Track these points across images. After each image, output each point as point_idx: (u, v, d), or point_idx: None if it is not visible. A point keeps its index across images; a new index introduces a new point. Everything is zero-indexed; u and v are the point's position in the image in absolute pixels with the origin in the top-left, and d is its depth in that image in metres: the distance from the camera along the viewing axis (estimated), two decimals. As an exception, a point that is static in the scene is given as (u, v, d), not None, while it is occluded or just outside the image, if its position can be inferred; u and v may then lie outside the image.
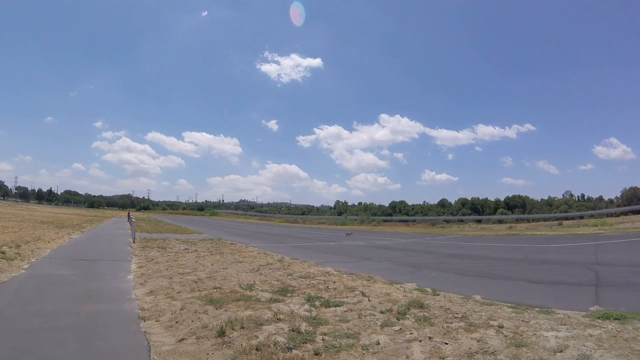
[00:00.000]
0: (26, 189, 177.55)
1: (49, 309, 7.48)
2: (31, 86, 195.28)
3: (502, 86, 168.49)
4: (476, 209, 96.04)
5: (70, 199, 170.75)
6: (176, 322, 6.71)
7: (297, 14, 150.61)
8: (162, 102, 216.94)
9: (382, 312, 7.11)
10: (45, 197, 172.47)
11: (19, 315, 7.02)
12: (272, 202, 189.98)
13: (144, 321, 6.87)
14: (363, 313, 7.02)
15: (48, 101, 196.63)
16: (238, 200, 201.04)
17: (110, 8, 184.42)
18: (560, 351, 5.09)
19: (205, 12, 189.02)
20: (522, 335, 5.75)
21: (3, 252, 13.31)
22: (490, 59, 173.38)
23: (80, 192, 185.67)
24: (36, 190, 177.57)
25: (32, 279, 10.33)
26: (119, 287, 9.81)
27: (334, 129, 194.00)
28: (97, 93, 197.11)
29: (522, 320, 6.56)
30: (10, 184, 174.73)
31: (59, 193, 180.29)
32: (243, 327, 6.11)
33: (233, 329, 6.00)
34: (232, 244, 22.38)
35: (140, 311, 7.49)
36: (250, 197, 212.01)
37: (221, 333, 5.81)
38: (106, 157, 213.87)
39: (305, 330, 5.97)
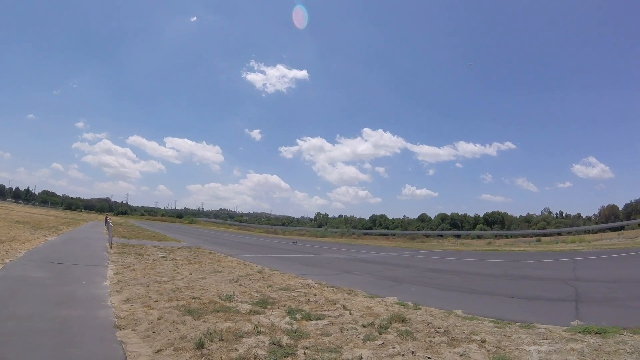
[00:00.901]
0: (3, 186, 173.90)
1: (22, 312, 7.28)
2: (14, 81, 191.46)
3: (484, 104, 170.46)
4: (455, 224, 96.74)
5: (47, 199, 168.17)
6: (153, 332, 6.54)
7: (300, 17, 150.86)
8: (145, 106, 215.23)
9: (364, 326, 7.02)
10: (23, 197, 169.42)
11: (-10, 318, 6.79)
12: (252, 211, 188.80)
13: (120, 330, 6.67)
14: (345, 327, 6.92)
15: (31, 98, 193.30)
16: (218, 208, 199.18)
17: (100, 6, 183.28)
18: (544, 365, 5.07)
19: (195, 18, 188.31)
20: (504, 350, 5.75)
21: (-24, 251, 12.94)
22: (473, 77, 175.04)
23: (58, 193, 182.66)
24: (13, 189, 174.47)
25: (5, 280, 10.08)
26: (95, 293, 9.56)
27: (317, 141, 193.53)
28: (81, 92, 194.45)
29: (504, 335, 6.58)
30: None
31: (37, 193, 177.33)
32: (222, 339, 5.96)
33: (212, 341, 5.85)
34: (211, 253, 22.07)
35: (116, 319, 7.28)
36: (230, 205, 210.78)
37: (200, 345, 5.67)
38: (86, 159, 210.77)
39: (286, 343, 5.85)
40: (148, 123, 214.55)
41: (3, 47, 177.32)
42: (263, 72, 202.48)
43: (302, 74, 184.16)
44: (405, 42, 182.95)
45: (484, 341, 6.17)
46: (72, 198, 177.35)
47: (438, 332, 6.74)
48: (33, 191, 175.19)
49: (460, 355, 5.51)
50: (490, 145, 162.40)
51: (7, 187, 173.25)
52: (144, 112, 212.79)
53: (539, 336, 6.46)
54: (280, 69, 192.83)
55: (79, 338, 6.09)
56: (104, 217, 67.58)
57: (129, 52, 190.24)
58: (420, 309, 8.90)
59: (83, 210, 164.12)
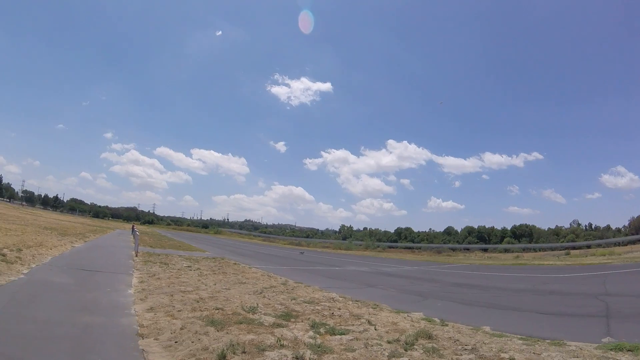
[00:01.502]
0: (32, 193, 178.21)
1: (44, 316, 7.31)
2: (45, 92, 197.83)
3: (510, 114, 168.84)
4: (482, 238, 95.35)
5: (75, 207, 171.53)
6: (175, 342, 6.47)
7: (306, 22, 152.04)
8: (172, 118, 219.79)
9: (389, 342, 6.82)
10: (51, 203, 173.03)
11: (13, 320, 6.86)
12: (276, 223, 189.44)
13: (142, 338, 6.63)
14: (369, 342, 6.73)
15: (60, 108, 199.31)
16: (243, 219, 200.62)
17: (128, 21, 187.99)
18: (574, 385, 4.86)
19: (220, 32, 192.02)
20: (534, 369, 5.51)
21: (4, 255, 13.12)
22: (498, 87, 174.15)
23: (86, 201, 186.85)
24: (42, 196, 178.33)
25: (30, 284, 10.16)
26: (118, 300, 9.59)
27: (341, 153, 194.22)
28: (110, 104, 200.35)
29: (534, 353, 6.33)
30: (17, 187, 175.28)
31: (65, 200, 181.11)
32: (245, 352, 5.86)
33: (234, 353, 5.75)
34: (235, 264, 22.08)
35: (138, 327, 7.25)
36: (254, 217, 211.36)
37: (222, 357, 5.57)
38: (114, 169, 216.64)
39: (309, 358, 5.72)
40: (175, 135, 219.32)
41: (34, 60, 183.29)
42: (287, 85, 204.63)
43: (326, 86, 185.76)
44: (428, 53, 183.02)
45: (512, 359, 5.95)
46: (99, 206, 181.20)
47: (465, 349, 6.53)
48: (61, 198, 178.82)
49: (489, 375, 5.32)
50: (517, 156, 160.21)
51: (36, 194, 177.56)
52: (171, 124, 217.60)
53: (569, 354, 6.21)
54: (305, 82, 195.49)
55: (99, 345, 6.06)
56: (130, 226, 68.48)
57: (156, 65, 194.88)
58: (447, 325, 8.67)
59: (110, 218, 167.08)
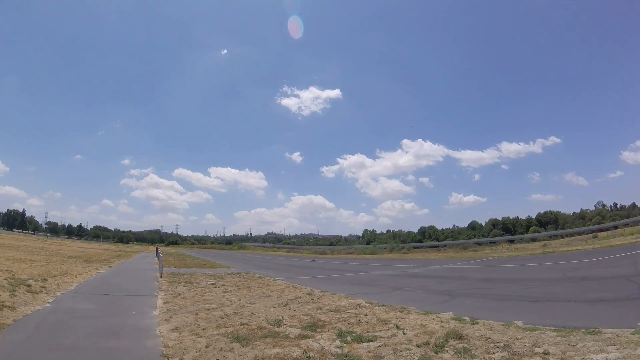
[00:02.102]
0: (56, 224, 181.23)
1: (69, 343, 7.32)
2: (59, 126, 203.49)
3: (522, 101, 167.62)
4: (508, 229, 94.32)
5: (99, 234, 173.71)
6: (201, 361, 6.37)
7: (295, 27, 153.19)
8: (187, 139, 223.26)
9: (418, 346, 6.65)
10: (75, 232, 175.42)
11: (39, 349, 6.88)
12: (299, 234, 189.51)
13: (167, 359, 6.55)
14: (398, 348, 6.57)
15: (76, 140, 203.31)
16: (265, 233, 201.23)
17: (136, 49, 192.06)
18: (613, 375, 4.64)
19: (225, 51, 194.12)
20: (569, 362, 5.29)
21: (29, 286, 13.25)
22: (508, 76, 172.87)
23: (109, 228, 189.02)
24: (66, 226, 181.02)
25: (55, 312, 10.20)
26: (143, 323, 9.54)
27: (357, 157, 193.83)
28: (124, 132, 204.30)
29: (569, 344, 6.13)
30: (40, 219, 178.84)
31: (89, 228, 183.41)
32: (271, 366, 5.74)
33: (260, 368, 5.63)
34: (259, 277, 22.06)
35: (163, 348, 7.18)
36: (277, 229, 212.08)
37: (247, 373, 5.46)
38: (134, 194, 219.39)
39: (337, 368, 5.57)
40: (191, 155, 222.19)
41: (46, 97, 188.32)
42: (297, 96, 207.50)
43: (335, 93, 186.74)
44: (433, 48, 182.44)
45: (547, 353, 5.75)
46: (123, 231, 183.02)
47: (498, 347, 6.32)
48: (85, 227, 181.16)
49: (524, 372, 5.11)
50: (534, 143, 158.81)
51: (59, 224, 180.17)
52: (187, 145, 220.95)
53: (606, 342, 6.01)
54: (313, 91, 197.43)
55: (124, 369, 6.02)
56: (154, 248, 68.97)
57: (166, 89, 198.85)
58: (477, 323, 8.45)
59: (134, 242, 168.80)
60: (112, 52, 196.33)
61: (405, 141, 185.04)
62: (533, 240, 67.81)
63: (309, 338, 7.54)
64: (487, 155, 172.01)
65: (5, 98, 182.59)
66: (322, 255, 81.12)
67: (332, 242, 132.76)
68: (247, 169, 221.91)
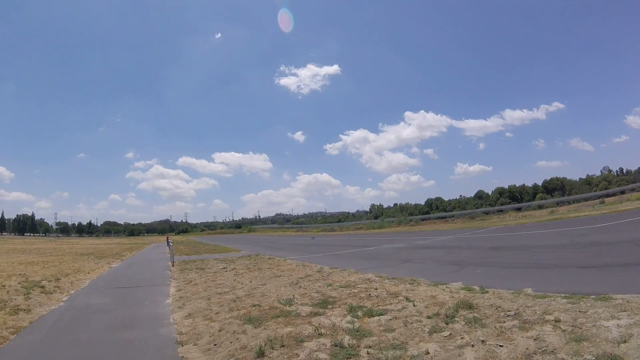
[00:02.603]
0: (66, 223, 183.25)
1: (85, 338, 7.43)
2: (61, 126, 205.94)
3: (524, 67, 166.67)
4: (514, 197, 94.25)
5: (110, 229, 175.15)
6: (214, 345, 6.47)
7: (285, 21, 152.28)
8: (188, 127, 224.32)
9: (429, 317, 6.70)
10: (86, 230, 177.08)
11: (55, 346, 6.98)
12: (307, 212, 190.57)
13: (182, 346, 6.66)
14: (409, 320, 6.62)
15: (78, 139, 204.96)
16: (274, 214, 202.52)
17: (127, 42, 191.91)
18: (625, 341, 4.67)
19: (219, 35, 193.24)
20: (581, 328, 5.32)
21: (43, 287, 13.43)
22: (508, 42, 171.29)
23: (119, 222, 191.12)
24: (76, 224, 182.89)
25: (70, 310, 10.33)
26: (157, 312, 9.69)
27: (360, 133, 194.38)
28: (125, 125, 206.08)
29: (579, 311, 6.11)
30: (50, 221, 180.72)
31: (99, 224, 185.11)
32: (283, 346, 5.82)
33: (273, 348, 5.71)
34: (270, 258, 22.20)
35: (177, 335, 7.30)
36: (285, 210, 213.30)
37: (260, 353, 5.53)
38: (141, 186, 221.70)
39: (348, 344, 5.62)
40: (194, 143, 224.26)
41: (43, 100, 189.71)
42: (295, 75, 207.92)
43: (334, 69, 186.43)
44: (431, 18, 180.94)
45: (558, 320, 5.74)
46: (133, 224, 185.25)
47: (508, 315, 6.34)
48: (95, 223, 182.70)
49: (534, 339, 5.12)
50: (537, 109, 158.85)
51: (69, 223, 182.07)
52: (189, 133, 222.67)
53: (617, 308, 5.98)
54: (311, 69, 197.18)
55: (140, 358, 6.14)
56: (165, 238, 69.37)
57: (163, 79, 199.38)
58: (487, 292, 8.45)
59: (145, 234, 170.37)
60: (105, 47, 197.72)
61: (408, 113, 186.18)
62: (540, 207, 67.69)
63: (320, 315, 7.61)
64: (491, 124, 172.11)
65: (3, 105, 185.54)
66: (330, 232, 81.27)
67: (340, 219, 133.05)
68: (250, 152, 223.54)
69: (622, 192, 60.02)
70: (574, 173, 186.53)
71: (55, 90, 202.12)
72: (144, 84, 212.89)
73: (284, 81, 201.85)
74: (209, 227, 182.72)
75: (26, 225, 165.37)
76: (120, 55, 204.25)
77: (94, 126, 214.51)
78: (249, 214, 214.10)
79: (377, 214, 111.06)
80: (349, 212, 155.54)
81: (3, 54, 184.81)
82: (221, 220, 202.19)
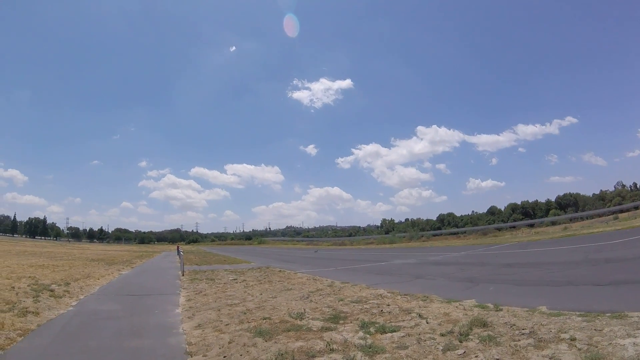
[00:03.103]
0: (77, 228, 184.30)
1: (93, 345, 7.40)
2: (75, 133, 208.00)
3: (537, 82, 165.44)
4: (527, 213, 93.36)
5: (120, 236, 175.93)
6: (224, 357, 6.40)
7: (290, 26, 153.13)
8: (202, 138, 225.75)
9: (442, 335, 6.60)
10: (97, 236, 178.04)
11: (63, 352, 6.96)
12: (317, 226, 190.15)
13: (191, 357, 6.60)
14: (422, 337, 6.52)
15: (93, 145, 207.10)
16: (284, 227, 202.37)
17: (143, 52, 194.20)
18: (641, 360, 4.57)
19: (233, 48, 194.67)
20: (597, 347, 5.26)
21: (52, 290, 13.45)
22: (521, 57, 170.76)
23: (130, 229, 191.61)
24: (87, 230, 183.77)
25: (79, 315, 10.31)
26: (166, 321, 9.63)
27: (372, 147, 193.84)
28: (139, 135, 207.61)
29: (595, 330, 6.02)
30: (62, 225, 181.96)
31: (110, 231, 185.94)
32: (294, 360, 5.73)
33: (284, 363, 5.63)
34: (280, 271, 22.12)
35: (187, 346, 7.23)
36: (295, 222, 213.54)
37: (271, 367, 5.46)
38: (153, 195, 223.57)
39: (361, 360, 5.54)
40: (207, 154, 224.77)
41: (58, 107, 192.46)
42: (308, 89, 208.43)
43: (346, 83, 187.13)
44: (443, 33, 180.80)
45: (573, 339, 5.66)
46: (144, 232, 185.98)
47: (523, 334, 6.24)
48: (106, 230, 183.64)
49: (550, 359, 5.05)
50: (550, 124, 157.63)
51: (81, 229, 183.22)
52: (202, 144, 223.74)
53: (633, 326, 5.90)
54: (324, 82, 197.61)
55: (148, 368, 6.06)
56: (175, 247, 69.49)
57: (177, 90, 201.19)
58: (501, 309, 8.36)
59: (156, 242, 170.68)
60: (122, 57, 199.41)
61: (420, 128, 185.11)
62: (553, 223, 67.09)
63: (332, 330, 7.53)
64: (504, 139, 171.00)
65: (19, 111, 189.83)
66: (341, 246, 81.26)
67: (351, 233, 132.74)
68: (262, 164, 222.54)
69: (636, 208, 59.30)
70: (588, 188, 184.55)
71: (71, 98, 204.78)
72: (158, 94, 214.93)
73: (297, 95, 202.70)
74: (220, 238, 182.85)
75: (38, 229, 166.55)
76: (135, 65, 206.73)
77: (109, 134, 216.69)
78: (259, 225, 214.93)
79: (388, 229, 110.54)
80: (359, 227, 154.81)
81: (17, 61, 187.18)
82: (232, 231, 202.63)
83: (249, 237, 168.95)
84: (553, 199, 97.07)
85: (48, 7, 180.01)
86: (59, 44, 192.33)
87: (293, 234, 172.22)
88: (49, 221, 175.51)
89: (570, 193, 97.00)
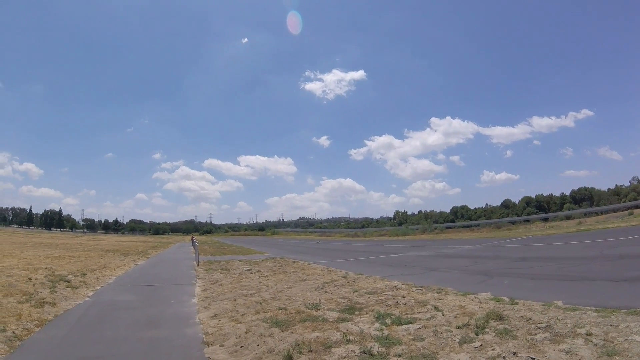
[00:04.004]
0: (93, 220, 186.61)
1: (109, 335, 7.49)
2: (89, 126, 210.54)
3: (552, 73, 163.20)
4: (542, 207, 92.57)
5: (135, 227, 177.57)
6: (241, 347, 6.48)
7: (294, 23, 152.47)
8: (215, 130, 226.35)
9: (458, 327, 6.61)
10: (112, 227, 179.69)
11: (80, 342, 7.05)
12: (330, 217, 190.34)
13: (208, 346, 6.68)
14: (438, 329, 6.53)
15: (107, 138, 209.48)
16: (297, 218, 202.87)
17: (155, 46, 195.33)
18: (657, 356, 4.57)
19: (245, 39, 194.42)
20: (613, 342, 5.25)
21: (68, 281, 13.64)
22: (537, 48, 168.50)
23: (144, 220, 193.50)
24: (102, 221, 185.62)
25: (95, 305, 10.46)
26: (183, 311, 9.75)
27: (385, 138, 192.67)
28: (153, 127, 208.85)
29: (611, 325, 6.01)
30: (77, 217, 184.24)
31: (125, 222, 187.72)
32: (311, 350, 5.79)
33: (300, 353, 5.69)
34: (294, 262, 22.22)
35: (204, 336, 7.33)
36: (308, 214, 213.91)
37: (288, 357, 5.52)
38: (167, 186, 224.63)
39: (377, 352, 5.58)
40: (220, 146, 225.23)
41: (72, 101, 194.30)
42: (320, 80, 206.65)
43: (359, 74, 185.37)
44: (457, 23, 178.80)
45: (589, 334, 5.65)
46: (158, 223, 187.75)
47: (539, 328, 6.23)
48: (121, 221, 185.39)
49: (566, 353, 5.04)
50: (565, 117, 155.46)
51: (96, 220, 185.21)
52: (215, 136, 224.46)
53: (649, 323, 5.86)
54: (337, 74, 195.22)
55: (165, 357, 6.17)
56: (190, 238, 69.90)
57: (191, 82, 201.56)
58: (517, 303, 8.33)
59: (170, 233, 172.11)
60: (134, 51, 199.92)
61: (434, 119, 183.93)
62: (567, 218, 66.41)
63: (348, 321, 7.57)
64: (518, 131, 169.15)
65: (33, 106, 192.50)
66: (354, 237, 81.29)
67: (364, 225, 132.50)
68: (275, 156, 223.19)
69: (651, 203, 58.66)
70: (603, 183, 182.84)
71: (85, 92, 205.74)
72: (171, 86, 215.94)
73: (309, 86, 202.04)
74: (233, 229, 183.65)
75: (53, 221, 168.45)
76: (148, 59, 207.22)
77: (122, 127, 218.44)
78: (272, 217, 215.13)
79: (401, 221, 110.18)
80: (372, 218, 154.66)
81: (31, 57, 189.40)
82: (245, 223, 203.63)
83: (262, 228, 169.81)
84: (567, 193, 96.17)
85: (61, 3, 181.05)
86: (73, 40, 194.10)
87: (306, 225, 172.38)
88: (64, 213, 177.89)
89: (585, 187, 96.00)
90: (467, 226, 78.67)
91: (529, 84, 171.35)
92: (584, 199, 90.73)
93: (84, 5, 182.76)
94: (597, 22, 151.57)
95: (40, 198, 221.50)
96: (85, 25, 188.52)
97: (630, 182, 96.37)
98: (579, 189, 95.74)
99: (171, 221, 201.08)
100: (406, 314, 8.01)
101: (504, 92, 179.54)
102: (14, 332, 7.31)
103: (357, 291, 11.13)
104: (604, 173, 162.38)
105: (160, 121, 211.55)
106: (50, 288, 12.05)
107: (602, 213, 64.33)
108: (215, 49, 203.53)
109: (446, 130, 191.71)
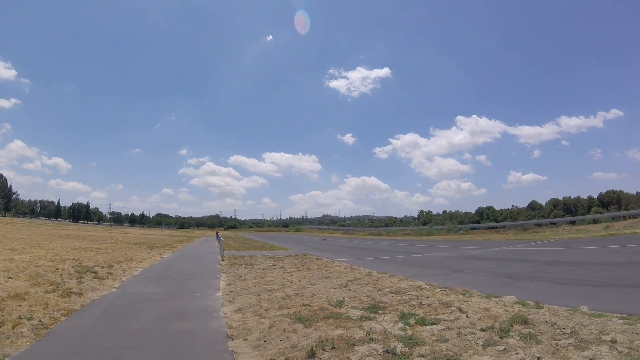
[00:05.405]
0: (119, 213, 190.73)
1: (135, 326, 7.65)
2: (118, 122, 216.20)
3: (581, 72, 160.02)
4: (569, 209, 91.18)
5: (161, 221, 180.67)
6: (264, 342, 6.57)
7: (301, 23, 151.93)
8: (240, 127, 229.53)
9: (482, 330, 6.59)
10: (138, 221, 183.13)
11: (105, 332, 7.21)
12: (354, 215, 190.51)
13: (232, 340, 6.79)
14: (462, 331, 6.52)
15: (134, 135, 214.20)
16: (321, 215, 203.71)
17: (183, 45, 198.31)
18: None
19: (270, 37, 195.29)
20: (638, 351, 5.19)
21: (95, 272, 13.97)
22: (566, 47, 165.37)
23: (170, 215, 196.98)
24: (129, 215, 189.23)
25: (121, 297, 10.69)
26: (207, 304, 9.90)
27: (410, 137, 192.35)
28: (179, 124, 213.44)
29: (636, 333, 5.93)
30: (104, 210, 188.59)
31: (151, 216, 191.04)
32: (334, 348, 5.85)
33: (324, 350, 5.75)
34: (318, 259, 22.34)
35: (228, 329, 7.45)
36: (332, 211, 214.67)
37: (311, 354, 5.59)
38: (193, 182, 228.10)
39: (400, 351, 5.61)
40: (245, 142, 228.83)
41: (102, 97, 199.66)
42: (345, 78, 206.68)
43: (384, 72, 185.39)
44: (484, 21, 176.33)
45: (614, 341, 5.59)
46: (184, 218, 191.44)
47: (564, 333, 6.19)
48: (147, 215, 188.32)
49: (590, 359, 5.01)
50: (594, 116, 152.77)
51: (122, 214, 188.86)
52: (240, 133, 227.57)
53: (675, 332, 5.77)
54: (361, 71, 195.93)
55: (190, 350, 6.29)
56: (214, 233, 70.61)
57: (217, 80, 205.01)
58: (542, 307, 8.23)
59: (195, 228, 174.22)
60: (162, 49, 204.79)
61: (460, 117, 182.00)
62: (595, 221, 65.24)
63: (371, 320, 7.60)
64: (547, 131, 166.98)
65: (64, 102, 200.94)
66: (377, 236, 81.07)
67: (387, 224, 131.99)
68: (300, 153, 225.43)
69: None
70: (631, 186, 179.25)
71: (113, 89, 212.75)
72: (198, 84, 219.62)
73: (334, 84, 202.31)
74: (257, 225, 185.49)
75: (81, 213, 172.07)
76: (176, 57, 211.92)
77: (150, 123, 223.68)
78: (296, 213, 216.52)
79: (426, 221, 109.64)
80: (396, 217, 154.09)
81: (61, 54, 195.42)
82: (269, 219, 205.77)
83: (285, 225, 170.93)
84: (595, 196, 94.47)
85: (91, 4, 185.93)
86: (103, 39, 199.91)
87: (329, 222, 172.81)
88: (91, 206, 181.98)
89: (613, 190, 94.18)
90: (493, 227, 78.01)
91: (557, 82, 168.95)
92: (611, 203, 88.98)
93: (114, 6, 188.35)
94: (627, 19, 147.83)
95: (68, 191, 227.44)
96: (114, 25, 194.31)
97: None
98: (607, 192, 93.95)
99: (196, 216, 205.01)
100: (430, 314, 8.00)
101: (531, 91, 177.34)
102: (40, 321, 7.55)
103: (380, 290, 11.14)
104: (633, 176, 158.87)
105: (187, 117, 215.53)
106: (77, 279, 12.38)
107: (630, 217, 62.97)
108: (241, 47, 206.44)
109: (472, 129, 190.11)
